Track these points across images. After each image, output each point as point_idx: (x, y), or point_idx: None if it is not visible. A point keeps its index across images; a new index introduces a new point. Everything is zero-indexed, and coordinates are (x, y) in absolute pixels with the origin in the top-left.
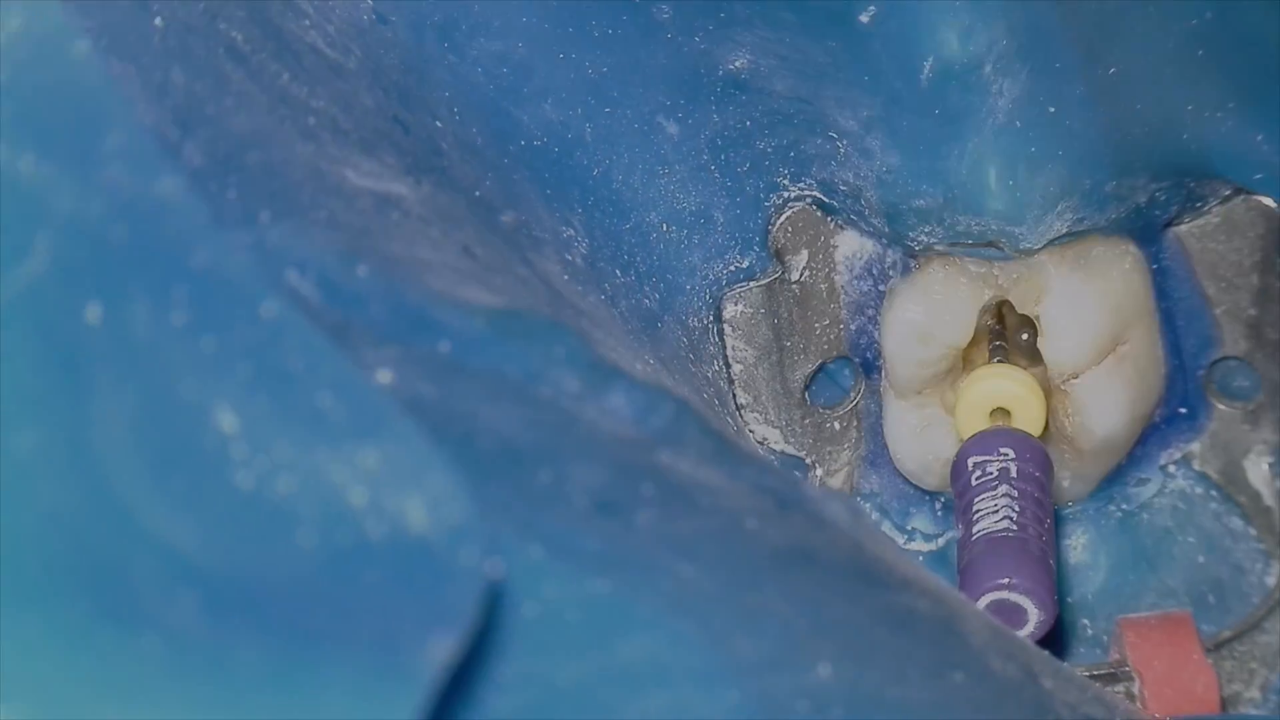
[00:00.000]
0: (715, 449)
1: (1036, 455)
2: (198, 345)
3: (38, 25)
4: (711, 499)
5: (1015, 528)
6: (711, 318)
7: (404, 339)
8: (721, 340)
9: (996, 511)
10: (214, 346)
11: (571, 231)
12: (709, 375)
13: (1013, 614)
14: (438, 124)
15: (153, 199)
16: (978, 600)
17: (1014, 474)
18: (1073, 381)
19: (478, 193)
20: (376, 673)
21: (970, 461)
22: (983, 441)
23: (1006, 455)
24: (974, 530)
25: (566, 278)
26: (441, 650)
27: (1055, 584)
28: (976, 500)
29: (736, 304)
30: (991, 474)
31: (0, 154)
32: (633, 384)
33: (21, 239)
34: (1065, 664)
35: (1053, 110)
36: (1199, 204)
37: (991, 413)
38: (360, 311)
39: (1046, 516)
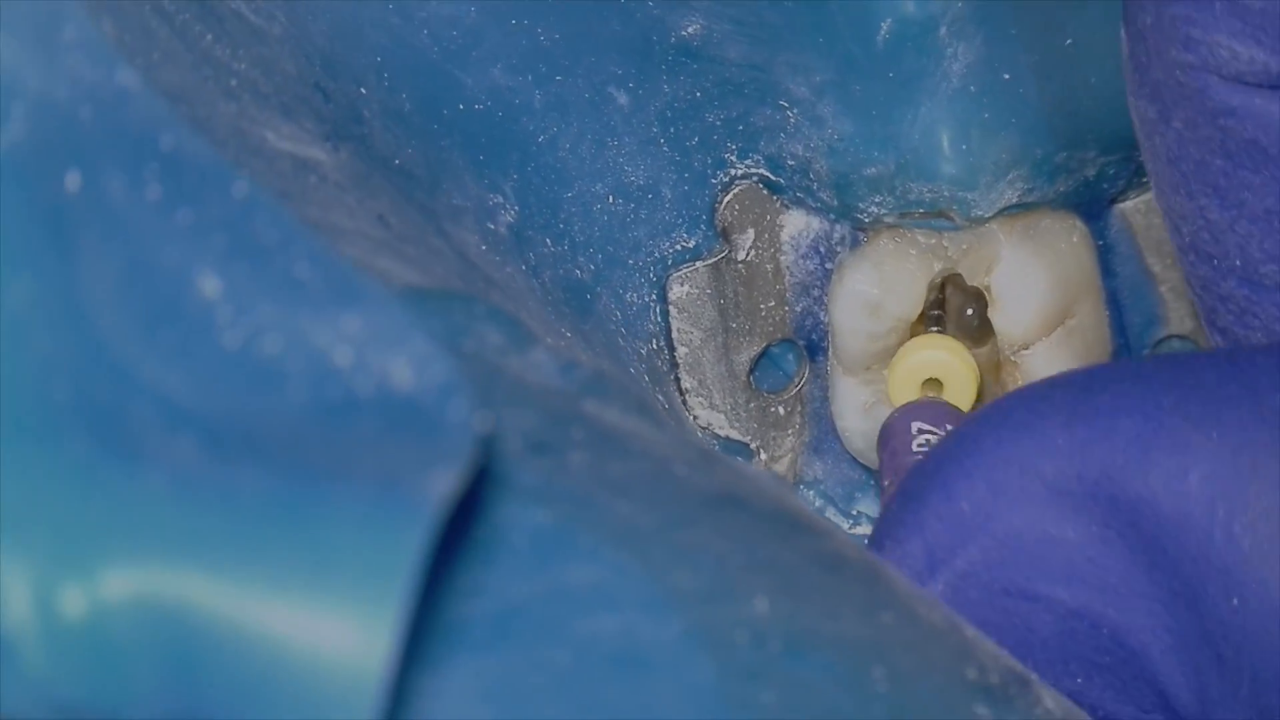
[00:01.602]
0: (638, 405)
1: None
2: (174, 217)
3: None
4: (640, 445)
5: None
6: (654, 296)
7: None
8: (666, 322)
9: None
10: (190, 219)
11: (500, 198)
12: (642, 353)
13: None
14: (362, 91)
15: (114, 87)
16: None
17: None
18: (1023, 353)
19: (397, 160)
20: (381, 502)
21: (915, 426)
22: (931, 410)
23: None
24: None
25: (484, 248)
26: (443, 482)
27: None
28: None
29: (683, 285)
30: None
31: None
32: (552, 348)
33: None
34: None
35: (1007, 77)
36: (1145, 179)
37: (924, 383)
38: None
39: None
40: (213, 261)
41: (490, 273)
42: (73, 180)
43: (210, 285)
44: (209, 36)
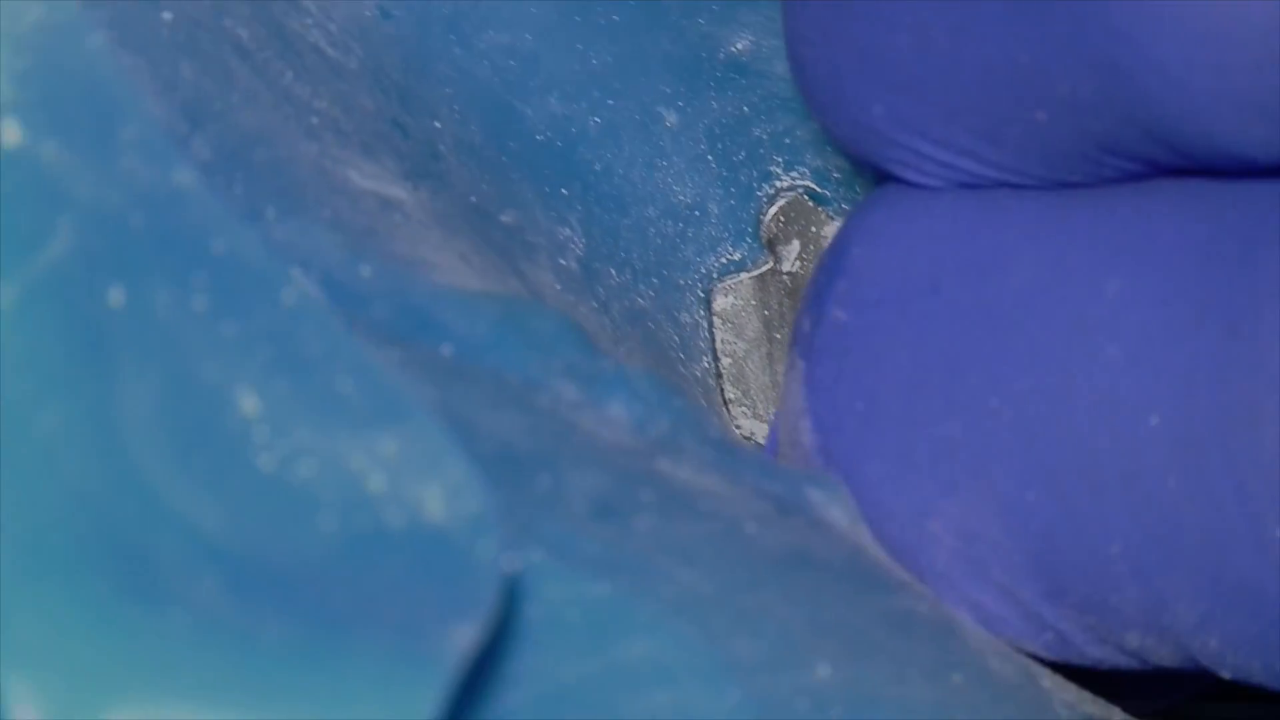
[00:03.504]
0: (714, 458)
1: None
2: (218, 330)
3: (55, 16)
4: (711, 504)
5: None
6: (702, 312)
7: (407, 340)
8: (711, 334)
9: None
10: (235, 331)
11: (569, 231)
12: (698, 374)
13: None
14: (436, 124)
15: (169, 189)
16: None
17: None
18: None
19: (473, 198)
20: (399, 658)
21: None
22: None
23: None
24: None
25: (559, 287)
26: (463, 638)
27: None
28: None
29: (727, 296)
30: None
31: (24, 139)
32: (633, 395)
33: (45, 223)
34: None
35: None
36: None
37: None
38: (364, 311)
39: None
40: (254, 378)
41: (567, 313)
42: (117, 296)
43: (250, 404)
44: (289, 74)
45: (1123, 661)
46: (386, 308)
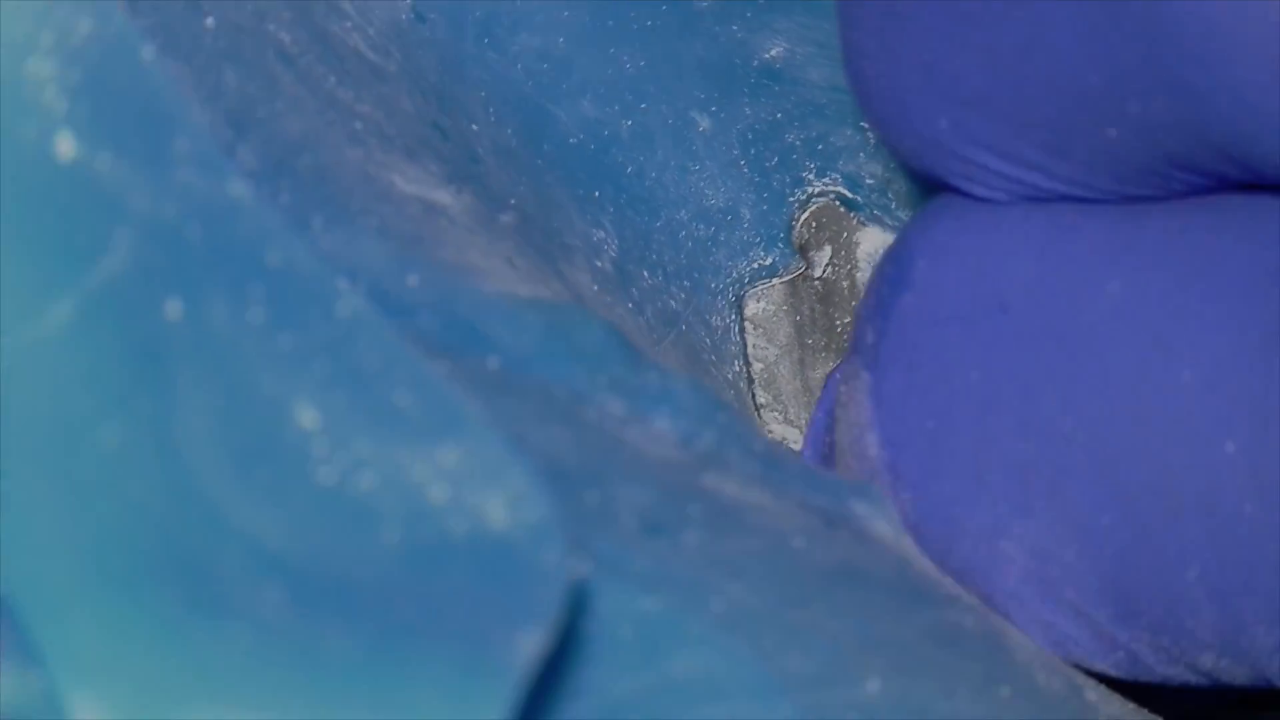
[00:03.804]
0: (760, 471)
1: None
2: (276, 342)
3: (105, 30)
4: (758, 518)
5: None
6: (734, 316)
7: (454, 352)
8: (743, 339)
9: None
10: (292, 344)
11: (603, 234)
12: (729, 377)
13: None
14: (474, 128)
15: (225, 200)
16: None
17: None
18: None
19: (513, 200)
20: (466, 667)
21: None
22: None
23: None
24: None
25: (596, 288)
26: (530, 645)
27: None
28: None
29: (759, 301)
30: None
31: (79, 151)
32: (677, 409)
33: (101, 236)
34: None
35: None
36: None
37: None
38: (411, 322)
39: None
40: (312, 391)
41: (605, 314)
42: (174, 309)
43: (309, 417)
44: (332, 79)
45: (1193, 679)
46: (433, 318)
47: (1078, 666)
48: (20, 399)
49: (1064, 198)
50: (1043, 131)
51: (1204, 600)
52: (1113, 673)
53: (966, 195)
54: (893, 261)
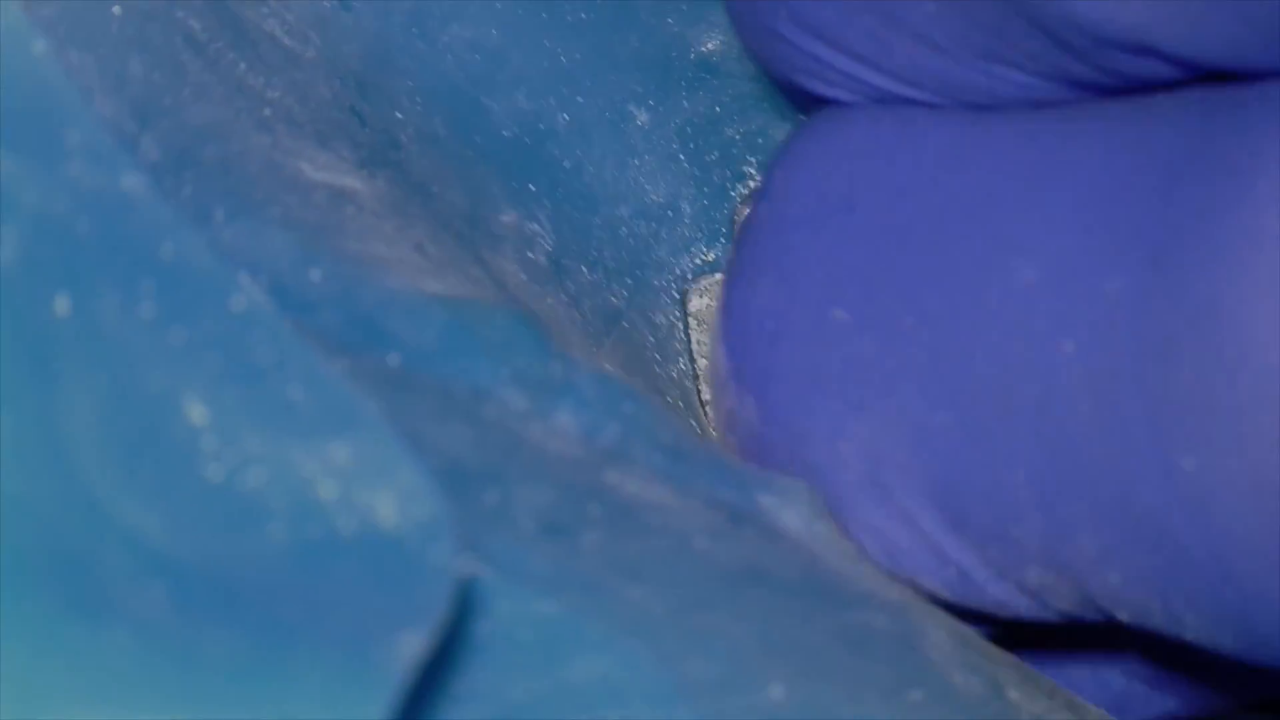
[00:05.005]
0: (664, 466)
1: None
2: (166, 337)
3: None
4: (660, 518)
5: None
6: (677, 313)
7: (355, 349)
8: (687, 335)
9: None
10: (183, 338)
11: (537, 227)
12: (673, 375)
13: None
14: (398, 115)
15: (117, 194)
16: None
17: None
18: None
19: (435, 188)
20: (346, 670)
21: None
22: None
23: None
24: None
25: (525, 277)
26: (410, 647)
27: None
28: None
29: (702, 297)
30: None
31: None
32: (580, 402)
33: None
34: (1031, 669)
35: None
36: None
37: None
38: (312, 318)
39: None
40: (202, 386)
41: (531, 304)
42: (63, 304)
43: (198, 412)
44: (242, 65)
45: (1023, 605)
46: (335, 314)
47: (913, 586)
48: None
49: (906, 100)
50: (865, 15)
51: (1030, 505)
52: (945, 594)
53: (816, 97)
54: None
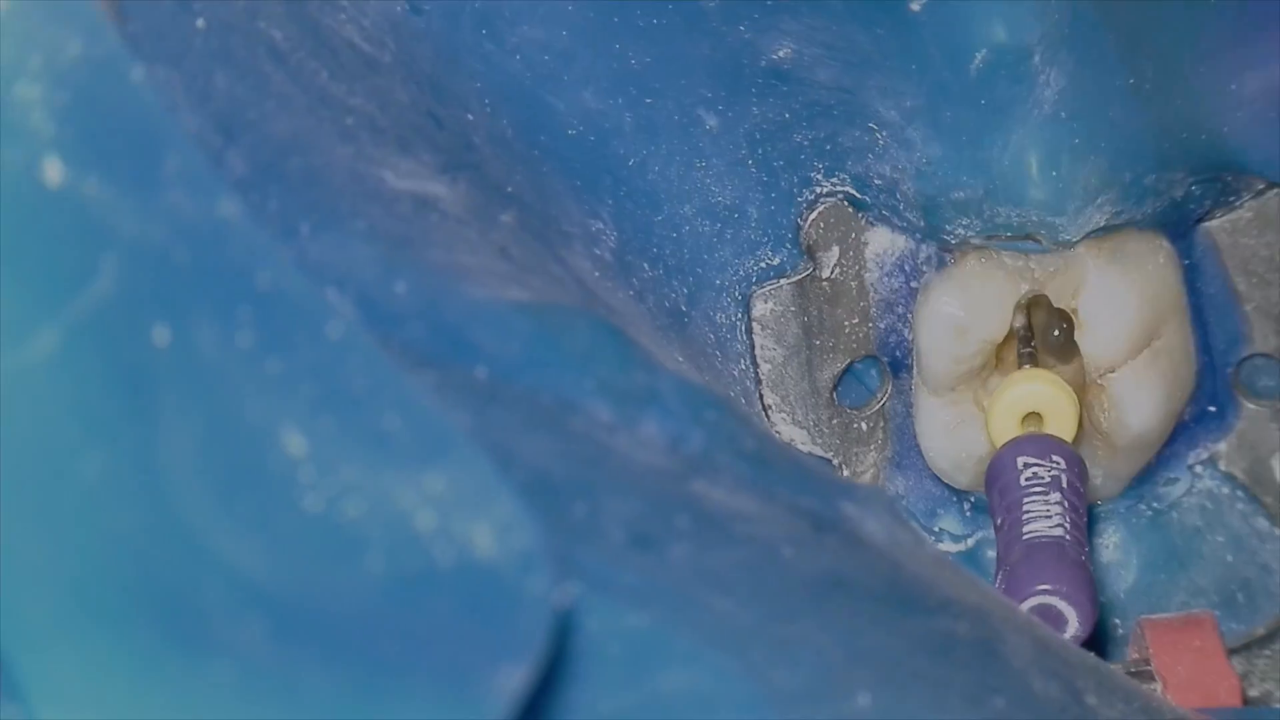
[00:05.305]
0: (748, 474)
1: (1081, 470)
2: (263, 367)
3: (95, 50)
4: (746, 527)
5: (1068, 537)
6: (740, 315)
7: (442, 362)
8: (750, 339)
9: (1050, 517)
10: (279, 368)
11: (600, 224)
12: (735, 374)
13: (1054, 620)
14: (469, 117)
15: (214, 221)
16: (1022, 602)
17: (1065, 484)
18: (1109, 376)
19: (509, 188)
20: (447, 702)
21: (1021, 461)
22: (1035, 445)
23: (1058, 464)
24: (1024, 531)
25: (597, 274)
26: (512, 680)
27: (1095, 593)
28: (1027, 501)
29: (766, 302)
30: (1044, 479)
31: (67, 176)
32: (665, 412)
33: (88, 261)
34: (1109, 669)
35: (1097, 101)
36: (1232, 199)
37: (1025, 417)
38: (398, 331)
39: (1084, 525)
40: (299, 416)
41: (606, 299)
42: (161, 335)
43: (295, 443)
44: (324, 74)
45: None
46: (421, 327)
47: None
48: (2, 429)
49: None
50: None
51: None
52: None
53: None
54: None
